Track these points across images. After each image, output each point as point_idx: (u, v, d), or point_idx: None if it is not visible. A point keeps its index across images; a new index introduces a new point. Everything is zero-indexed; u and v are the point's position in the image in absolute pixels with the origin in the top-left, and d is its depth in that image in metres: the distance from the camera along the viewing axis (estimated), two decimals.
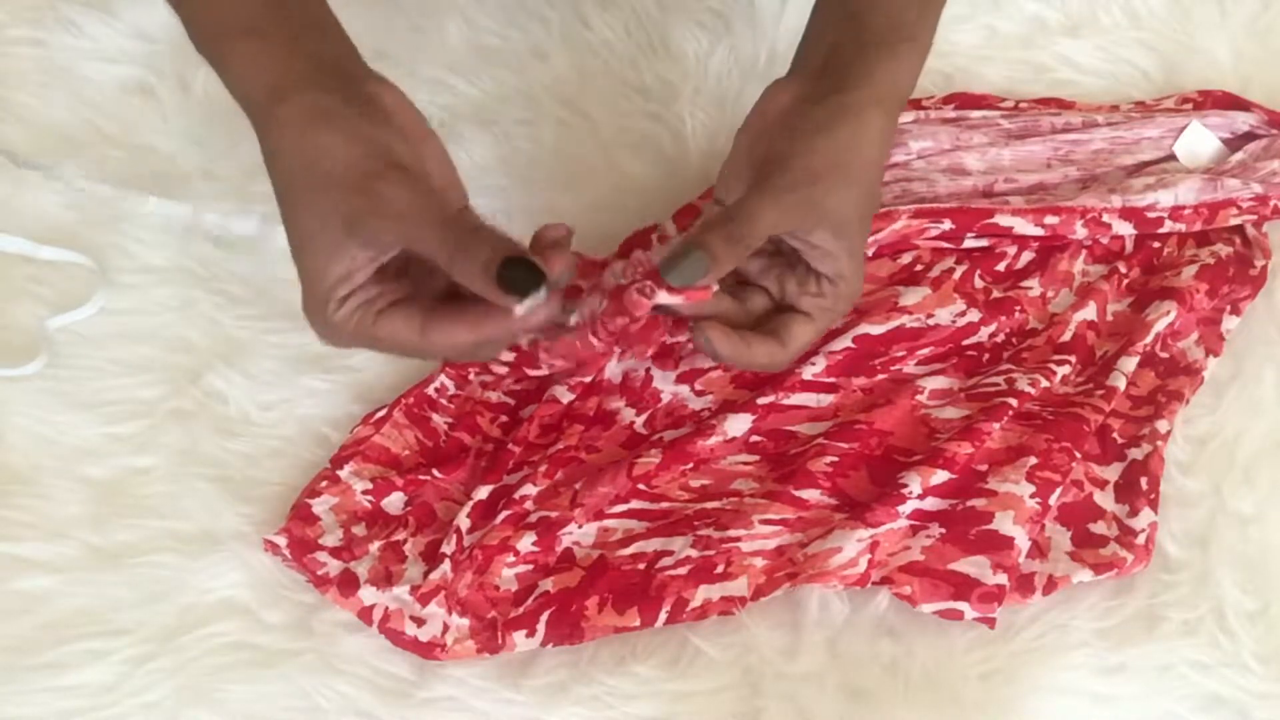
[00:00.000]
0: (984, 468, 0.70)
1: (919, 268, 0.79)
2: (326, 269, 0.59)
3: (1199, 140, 0.83)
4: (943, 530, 0.68)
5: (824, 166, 0.62)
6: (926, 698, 0.65)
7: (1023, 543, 0.67)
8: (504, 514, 0.70)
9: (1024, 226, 0.78)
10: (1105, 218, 0.78)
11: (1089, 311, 0.77)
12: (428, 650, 0.67)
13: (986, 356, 0.76)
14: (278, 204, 0.61)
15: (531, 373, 0.76)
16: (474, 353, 0.63)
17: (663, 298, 0.63)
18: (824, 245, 0.63)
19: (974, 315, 0.77)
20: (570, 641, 0.67)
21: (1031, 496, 0.68)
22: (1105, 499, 0.71)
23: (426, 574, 0.68)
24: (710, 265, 0.61)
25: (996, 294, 0.78)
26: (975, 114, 0.85)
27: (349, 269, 0.59)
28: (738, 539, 0.68)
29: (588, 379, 0.75)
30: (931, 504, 0.69)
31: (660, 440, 0.73)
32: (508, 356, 0.76)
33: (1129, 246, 0.80)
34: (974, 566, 0.67)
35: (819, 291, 0.65)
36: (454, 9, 0.91)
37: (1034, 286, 0.78)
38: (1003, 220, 0.78)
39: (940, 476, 0.69)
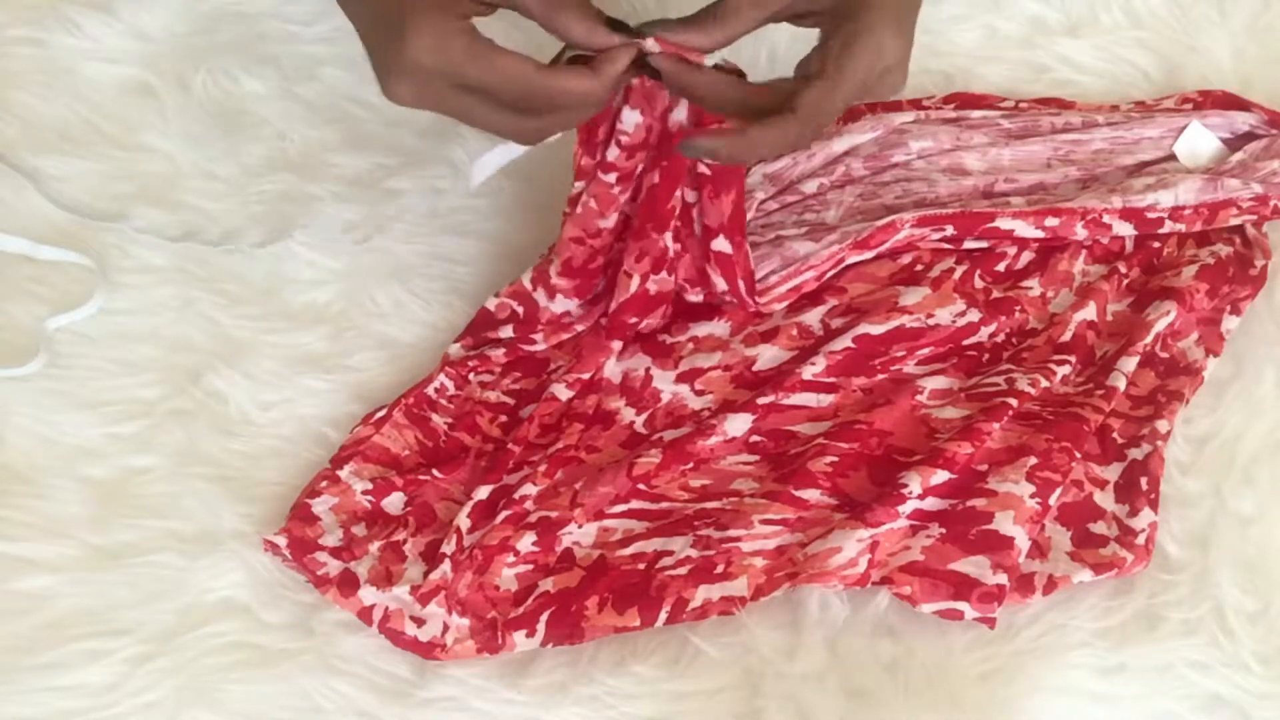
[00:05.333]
0: (984, 468, 0.70)
1: (919, 268, 0.79)
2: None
3: (1199, 140, 0.83)
4: (943, 530, 0.68)
5: None
6: (926, 698, 0.65)
7: (1023, 543, 0.67)
8: (504, 514, 0.70)
9: (1025, 229, 0.78)
10: (1105, 218, 0.78)
11: (1089, 311, 0.77)
12: (428, 650, 0.67)
13: (986, 356, 0.76)
14: None
15: (527, 348, 0.76)
16: (582, 106, 0.63)
17: (650, 45, 0.63)
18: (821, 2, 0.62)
19: (974, 315, 0.77)
20: (570, 641, 0.67)
21: (1031, 496, 0.68)
22: (1105, 499, 0.70)
23: (426, 574, 0.68)
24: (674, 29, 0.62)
25: (996, 294, 0.78)
26: (975, 114, 0.85)
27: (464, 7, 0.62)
28: (738, 539, 0.68)
29: (586, 374, 0.75)
30: (931, 504, 0.69)
31: (660, 440, 0.73)
32: (506, 333, 0.76)
33: (1129, 246, 0.80)
34: (974, 566, 0.67)
35: (827, 49, 0.62)
36: None
37: (1034, 286, 0.78)
38: (1004, 224, 0.78)
39: (940, 476, 0.69)
